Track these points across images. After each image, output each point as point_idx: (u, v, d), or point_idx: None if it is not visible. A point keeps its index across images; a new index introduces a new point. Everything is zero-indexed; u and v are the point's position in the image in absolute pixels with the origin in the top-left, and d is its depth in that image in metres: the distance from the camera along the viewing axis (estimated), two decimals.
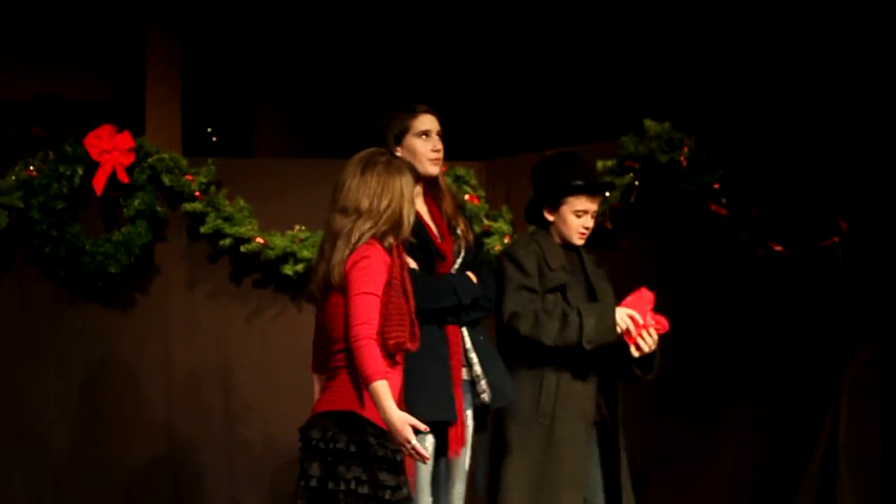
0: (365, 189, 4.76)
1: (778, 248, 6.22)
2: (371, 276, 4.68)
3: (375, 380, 4.57)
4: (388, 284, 4.74)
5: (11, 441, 6.60)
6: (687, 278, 6.53)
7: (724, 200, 6.34)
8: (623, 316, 5.44)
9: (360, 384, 4.67)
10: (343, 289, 4.70)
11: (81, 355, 6.71)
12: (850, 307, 6.11)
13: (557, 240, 5.58)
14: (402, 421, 4.60)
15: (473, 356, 5.29)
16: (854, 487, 6.01)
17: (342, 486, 4.59)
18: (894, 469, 6.03)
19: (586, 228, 5.45)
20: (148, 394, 6.76)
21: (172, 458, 6.77)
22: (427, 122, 5.33)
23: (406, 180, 4.80)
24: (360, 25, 9.34)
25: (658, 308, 6.10)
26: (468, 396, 5.32)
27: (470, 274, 5.34)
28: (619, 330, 5.41)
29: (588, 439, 5.52)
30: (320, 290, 4.82)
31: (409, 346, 4.77)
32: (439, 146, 5.35)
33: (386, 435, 4.64)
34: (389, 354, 4.70)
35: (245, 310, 6.87)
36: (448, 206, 5.41)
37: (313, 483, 4.62)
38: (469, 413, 5.32)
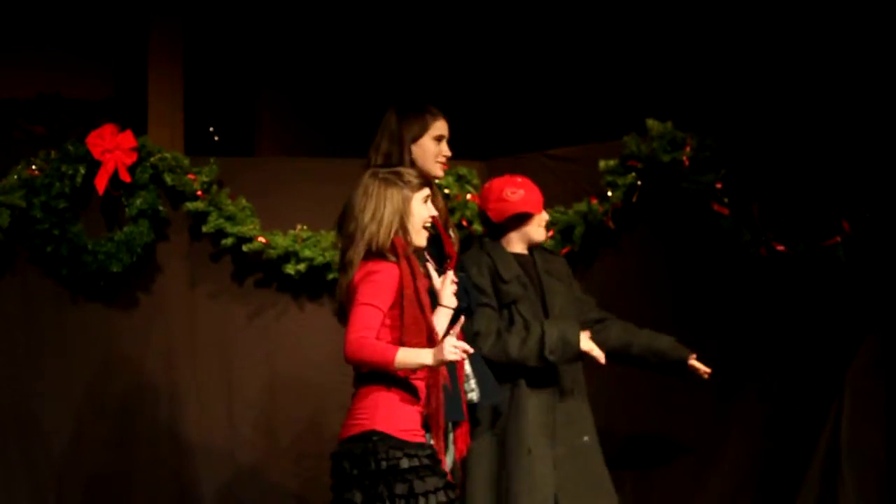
0: (352, 212, 4.79)
1: (780, 247, 6.14)
2: (376, 289, 4.67)
3: (392, 359, 4.57)
4: (401, 296, 4.71)
5: (14, 439, 6.57)
6: (689, 277, 6.49)
7: (726, 200, 6.28)
8: (586, 339, 5.47)
9: (383, 396, 4.68)
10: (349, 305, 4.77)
11: (83, 354, 6.68)
12: (853, 307, 6.04)
13: (510, 248, 5.62)
14: (440, 347, 4.58)
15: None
16: (856, 486, 5.95)
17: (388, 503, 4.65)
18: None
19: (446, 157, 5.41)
20: (150, 392, 6.74)
21: (175, 455, 6.75)
22: (443, 127, 5.39)
23: (393, 192, 4.78)
24: (363, 25, 9.34)
25: (660, 307, 6.14)
26: None
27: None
28: (582, 347, 5.42)
29: (548, 456, 5.47)
30: (339, 315, 4.87)
31: None
32: (448, 152, 5.43)
33: (409, 446, 4.66)
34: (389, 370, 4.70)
35: (247, 309, 6.85)
36: (441, 206, 5.44)
37: None
38: None
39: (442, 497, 4.64)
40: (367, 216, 4.76)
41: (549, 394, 5.50)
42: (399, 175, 4.89)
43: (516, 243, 5.65)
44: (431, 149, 5.30)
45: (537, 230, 5.67)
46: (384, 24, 9.22)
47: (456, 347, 4.57)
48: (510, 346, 5.42)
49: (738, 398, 6.30)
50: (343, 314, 4.82)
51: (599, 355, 5.47)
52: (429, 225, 4.92)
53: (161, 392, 6.75)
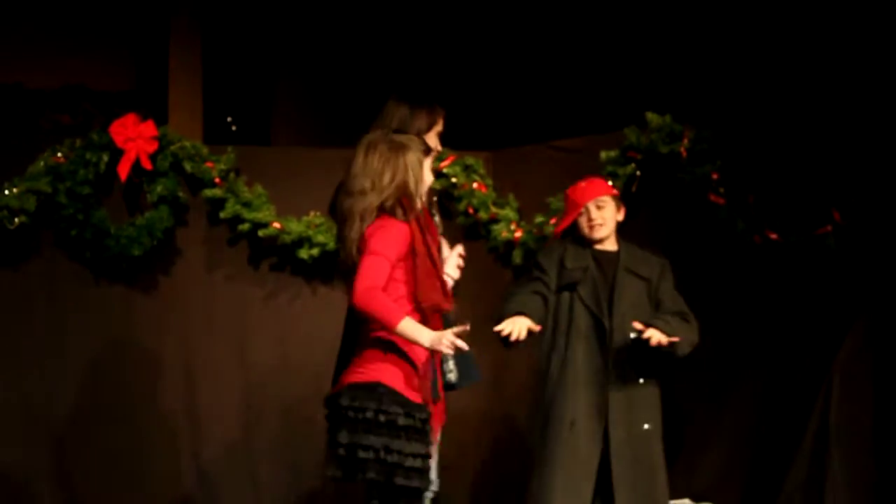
0: (368, 170, 4.77)
1: (773, 236, 6.17)
2: (386, 240, 4.67)
3: (398, 322, 4.58)
4: (413, 253, 4.72)
5: (37, 412, 6.62)
6: (686, 265, 6.30)
7: (722, 190, 6.30)
8: (507, 324, 5.43)
9: (394, 354, 4.69)
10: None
11: (105, 333, 6.72)
12: (842, 293, 6.07)
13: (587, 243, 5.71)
14: (439, 335, 4.60)
15: None
16: (844, 464, 5.98)
17: (371, 455, 4.60)
18: (883, 447, 6.00)
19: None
20: (168, 371, 6.78)
21: (192, 431, 6.79)
22: (442, 123, 5.48)
23: (410, 155, 4.82)
24: (375, 19, 9.34)
25: None
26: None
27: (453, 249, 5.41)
28: (496, 328, 5.40)
29: (594, 438, 5.52)
30: (345, 272, 4.82)
31: (444, 306, 4.80)
32: (440, 147, 5.53)
33: (412, 405, 4.67)
34: (425, 317, 4.71)
35: (262, 292, 6.89)
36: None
37: (342, 451, 4.64)
38: None
39: (418, 462, 4.65)
40: (387, 177, 4.75)
41: (602, 376, 5.55)
42: (411, 140, 4.93)
43: (586, 238, 5.73)
44: (432, 143, 5.36)
45: (585, 230, 5.72)
46: (397, 18, 9.22)
47: (451, 343, 4.59)
48: (503, 299, 5.53)
49: (732, 380, 6.33)
50: (347, 270, 4.78)
51: (516, 335, 5.37)
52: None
53: (178, 370, 6.78)
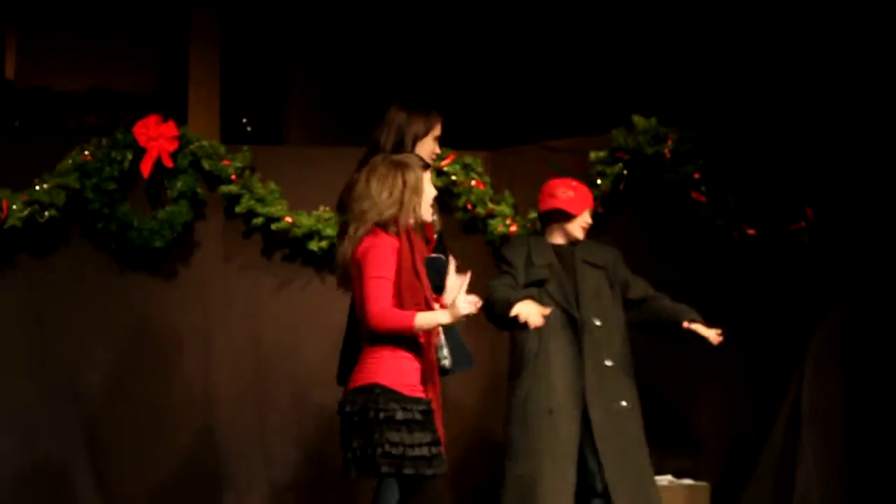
0: (367, 190, 4.81)
1: (751, 231, 6.24)
2: (380, 261, 4.71)
3: (413, 323, 4.66)
4: (400, 267, 4.75)
5: (67, 391, 6.65)
6: (670, 258, 6.53)
7: (703, 189, 6.37)
8: (522, 307, 5.45)
9: (385, 353, 4.73)
10: (356, 275, 4.76)
11: (129, 319, 6.76)
12: (815, 285, 6.14)
13: (551, 239, 5.78)
14: (452, 307, 4.68)
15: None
16: (814, 445, 6.07)
17: (378, 451, 4.66)
18: (852, 430, 6.09)
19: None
20: (187, 355, 6.80)
21: (209, 413, 6.81)
22: (440, 128, 5.55)
23: (410, 173, 4.85)
24: (383, 30, 9.33)
25: None
26: None
27: (451, 259, 5.35)
28: (512, 312, 5.42)
29: (572, 419, 5.58)
30: (345, 280, 4.90)
31: None
32: (438, 150, 5.62)
33: (406, 400, 4.70)
34: (409, 333, 4.73)
35: (275, 281, 6.90)
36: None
37: (357, 453, 4.71)
38: None
39: (424, 451, 4.68)
40: (385, 194, 4.78)
41: (575, 361, 5.61)
42: (409, 158, 4.97)
43: (557, 236, 5.80)
44: (429, 147, 5.47)
45: (576, 229, 5.80)
46: (405, 28, 9.20)
47: (468, 302, 4.67)
48: (491, 289, 5.54)
49: (711, 365, 6.33)
50: (345, 278, 4.85)
51: (532, 322, 5.40)
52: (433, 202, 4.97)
53: (196, 353, 6.80)
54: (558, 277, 5.73)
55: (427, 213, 4.94)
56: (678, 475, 6.30)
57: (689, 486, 6.24)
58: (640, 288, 5.88)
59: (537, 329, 5.49)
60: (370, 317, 4.68)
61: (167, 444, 6.74)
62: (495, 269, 5.96)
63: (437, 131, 5.53)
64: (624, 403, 5.67)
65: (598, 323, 5.72)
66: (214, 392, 6.83)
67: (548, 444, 5.57)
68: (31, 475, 6.56)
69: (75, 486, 6.60)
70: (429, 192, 4.92)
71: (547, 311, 5.42)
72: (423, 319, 4.69)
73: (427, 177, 4.94)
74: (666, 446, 6.36)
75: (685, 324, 5.71)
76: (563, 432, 5.57)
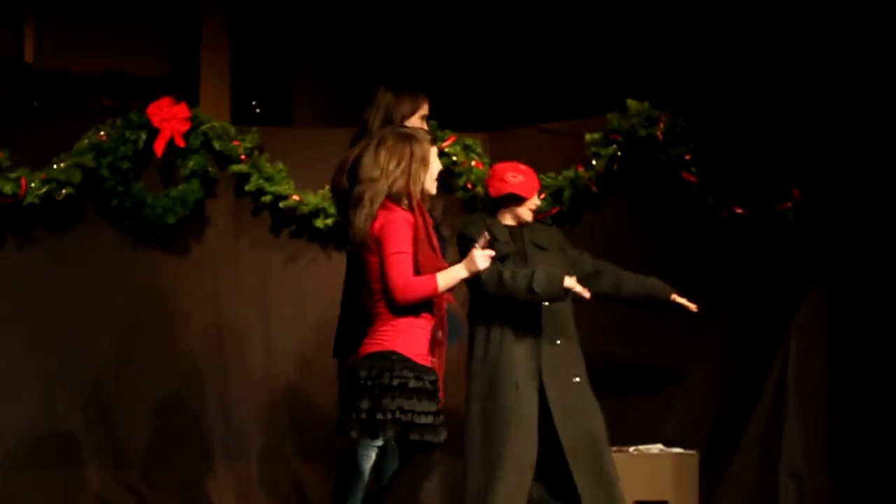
0: (377, 161, 4.83)
1: (739, 210, 6.30)
2: (398, 237, 4.74)
3: (437, 285, 4.74)
4: (416, 239, 4.78)
5: (83, 361, 6.70)
6: (661, 235, 6.59)
7: (693, 170, 6.41)
8: (570, 279, 5.49)
9: (402, 324, 4.78)
10: (371, 248, 4.77)
11: (142, 293, 6.80)
12: (800, 261, 6.23)
13: (502, 222, 5.67)
14: (469, 260, 4.79)
15: None
16: (800, 412, 6.18)
17: (388, 416, 4.70)
18: (835, 397, 6.18)
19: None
20: (198, 326, 6.86)
21: (220, 377, 6.86)
22: (427, 108, 5.52)
23: (417, 144, 4.86)
24: (385, 9, 9.32)
25: (636, 259, 6.13)
26: None
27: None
28: (565, 284, 5.44)
29: (532, 393, 5.53)
30: (356, 251, 4.90)
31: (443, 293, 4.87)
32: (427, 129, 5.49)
33: (421, 369, 4.77)
34: (426, 303, 4.80)
35: (282, 257, 6.95)
36: None
37: (363, 416, 4.73)
38: None
39: (429, 420, 4.74)
40: (393, 164, 4.79)
41: (532, 341, 5.57)
42: (417, 131, 4.97)
43: (508, 218, 5.69)
44: (416, 125, 5.34)
45: (526, 212, 5.70)
46: (408, 9, 9.19)
47: (484, 256, 4.78)
48: (504, 274, 5.42)
49: (701, 338, 6.40)
50: (361, 247, 4.79)
51: (583, 291, 5.49)
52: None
53: (207, 326, 6.85)
54: (514, 257, 5.67)
55: (433, 186, 4.93)
56: (668, 444, 6.36)
57: (679, 455, 6.28)
58: (587, 262, 5.84)
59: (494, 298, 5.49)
60: (396, 291, 4.71)
61: (179, 409, 6.79)
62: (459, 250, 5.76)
63: (423, 111, 5.50)
64: (576, 379, 5.65)
65: (547, 303, 5.67)
66: (225, 359, 6.88)
67: (516, 416, 5.52)
68: (49, 438, 6.60)
69: (91, 449, 6.66)
70: (435, 165, 4.93)
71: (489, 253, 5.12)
72: (445, 278, 4.75)
73: (434, 151, 4.95)
74: (657, 416, 6.49)
75: (673, 297, 5.77)
76: (525, 406, 5.54)
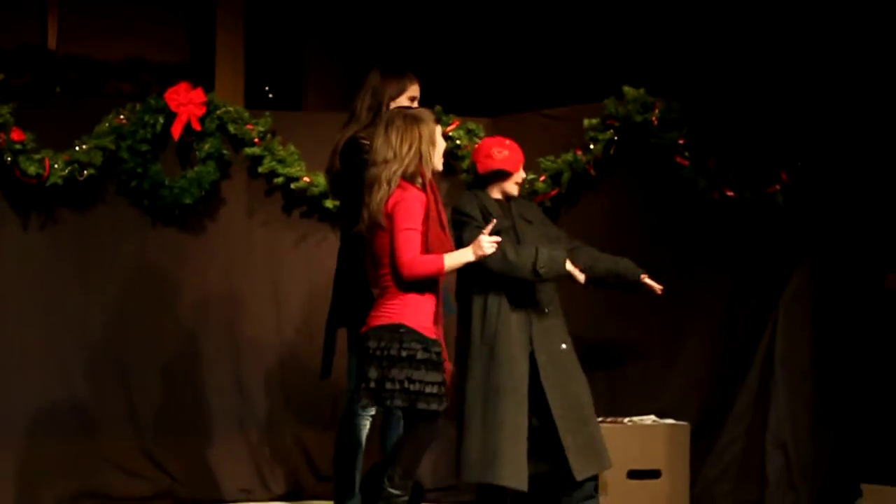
0: (388, 143, 4.88)
1: (730, 192, 6.32)
2: (410, 214, 4.81)
3: (443, 265, 4.82)
4: (427, 218, 4.84)
5: (104, 335, 6.74)
6: (656, 216, 6.65)
7: (686, 154, 6.45)
8: (569, 263, 5.55)
9: (411, 299, 4.85)
10: (384, 226, 4.83)
11: (160, 269, 6.86)
12: (787, 241, 6.27)
13: (494, 195, 5.66)
14: (476, 244, 4.87)
15: None
16: (786, 388, 6.25)
17: (396, 386, 4.80)
18: (819, 372, 6.25)
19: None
20: (213, 301, 6.91)
21: (233, 350, 6.92)
22: (416, 89, 5.58)
23: (424, 126, 4.92)
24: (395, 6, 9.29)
25: (631, 239, 6.25)
26: None
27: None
28: (567, 267, 5.52)
29: (525, 362, 5.56)
30: (367, 229, 4.93)
31: None
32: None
33: (428, 341, 4.85)
34: (432, 280, 4.88)
35: (293, 235, 7.01)
36: None
37: (372, 385, 4.83)
38: None
39: (435, 389, 4.83)
40: (406, 147, 4.85)
41: (525, 312, 5.58)
42: (422, 112, 5.00)
43: (496, 193, 5.67)
44: (404, 104, 5.41)
45: (513, 186, 5.68)
46: (417, 5, 9.16)
47: (490, 241, 4.85)
48: (508, 252, 5.41)
49: (694, 314, 6.49)
50: (374, 225, 4.85)
51: (580, 276, 5.62)
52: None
53: (222, 301, 6.91)
54: (507, 231, 5.63)
55: (440, 163, 4.99)
56: (661, 415, 6.43)
57: (672, 425, 6.35)
58: (564, 239, 5.85)
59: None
60: (403, 267, 4.78)
61: (193, 378, 6.87)
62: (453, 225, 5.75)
63: (411, 92, 5.52)
64: (563, 346, 5.68)
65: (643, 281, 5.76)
66: (237, 334, 6.94)
67: (511, 381, 5.55)
68: (68, 407, 6.65)
69: (108, 418, 6.72)
70: (440, 143, 4.99)
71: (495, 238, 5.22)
72: (451, 259, 4.84)
73: (438, 129, 5.01)
74: (650, 390, 6.58)
75: (643, 278, 5.80)
76: (518, 370, 5.58)
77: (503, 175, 5.67)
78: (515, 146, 5.72)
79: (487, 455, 5.50)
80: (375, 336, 4.85)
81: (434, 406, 4.87)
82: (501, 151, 5.66)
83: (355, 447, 5.54)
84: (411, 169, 4.86)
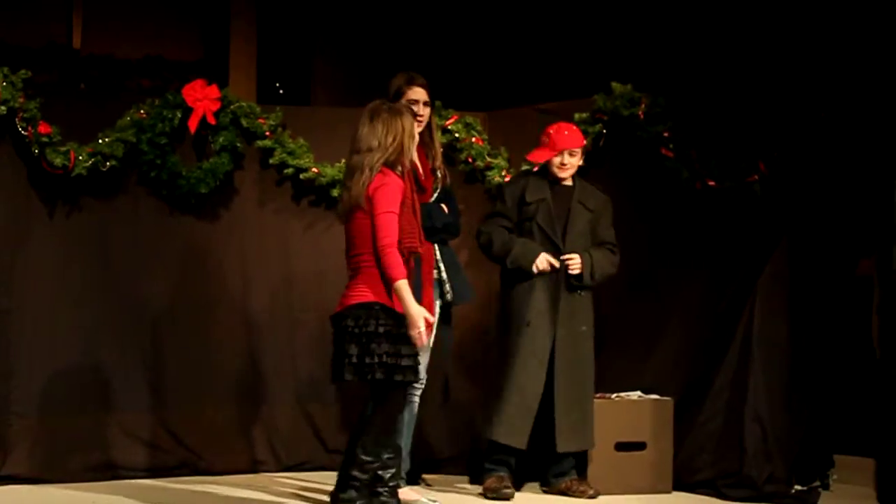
0: (373, 132, 5.04)
1: (711, 183, 6.39)
2: (390, 198, 4.99)
3: (399, 279, 4.96)
4: (402, 203, 5.02)
5: (127, 315, 6.77)
6: (642, 205, 6.71)
7: (671, 146, 6.52)
8: (543, 260, 5.92)
9: (383, 281, 5.01)
10: (365, 208, 4.99)
11: (178, 254, 6.89)
12: (765, 228, 6.34)
13: (551, 178, 5.95)
14: (419, 313, 4.99)
15: (441, 265, 5.73)
16: (763, 366, 6.33)
17: (376, 360, 4.99)
18: (794, 350, 6.36)
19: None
20: (228, 284, 6.95)
21: (247, 332, 6.96)
22: (417, 93, 5.78)
23: (406, 119, 5.11)
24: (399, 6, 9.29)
25: (619, 227, 6.30)
26: (437, 293, 5.85)
27: (443, 206, 5.72)
28: (534, 269, 5.86)
29: (549, 336, 5.88)
30: (346, 212, 5.10)
31: (418, 250, 5.19)
32: (423, 112, 5.78)
33: (403, 319, 5.03)
34: (404, 256, 5.05)
35: (303, 223, 7.05)
36: (436, 154, 5.85)
37: (354, 360, 5.01)
38: (438, 303, 5.87)
39: (410, 361, 5.02)
40: (390, 138, 5.00)
41: (551, 286, 5.89)
42: (402, 106, 5.23)
43: (551, 176, 6.02)
44: (411, 95, 5.70)
45: (555, 169, 6.02)
46: (417, 2, 9.18)
47: (421, 332, 4.96)
48: (495, 243, 5.81)
49: (677, 297, 6.59)
50: (348, 213, 5.03)
51: (548, 266, 5.90)
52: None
53: (236, 284, 6.94)
54: (548, 210, 5.88)
55: (414, 155, 5.19)
56: (646, 391, 6.53)
57: (656, 401, 6.45)
58: (597, 238, 6.11)
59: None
60: (384, 246, 4.93)
61: (210, 359, 6.90)
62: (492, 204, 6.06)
63: (413, 95, 5.74)
64: (584, 328, 5.92)
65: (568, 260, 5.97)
66: (251, 316, 6.98)
67: (526, 348, 5.82)
68: (90, 383, 6.69)
69: (131, 391, 6.75)
70: (416, 137, 5.19)
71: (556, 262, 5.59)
72: (403, 288, 4.94)
73: (415, 124, 5.20)
74: (636, 366, 6.66)
75: (565, 256, 6.07)
76: (538, 341, 5.82)
77: (547, 159, 5.99)
78: (560, 130, 6.01)
79: (491, 411, 5.83)
80: (353, 315, 4.99)
81: (410, 377, 5.06)
82: (547, 135, 6.00)
83: (409, 423, 5.74)
84: (392, 158, 5.02)
